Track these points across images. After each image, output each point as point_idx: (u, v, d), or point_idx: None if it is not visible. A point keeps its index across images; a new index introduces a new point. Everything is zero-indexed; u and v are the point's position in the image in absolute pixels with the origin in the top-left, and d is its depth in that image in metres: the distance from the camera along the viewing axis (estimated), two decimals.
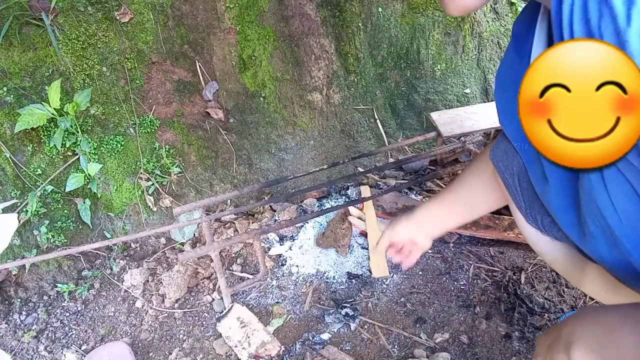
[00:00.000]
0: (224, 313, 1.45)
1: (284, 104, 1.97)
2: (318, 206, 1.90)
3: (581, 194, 0.63)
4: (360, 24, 2.05)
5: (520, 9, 2.36)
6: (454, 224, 1.15)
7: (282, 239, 1.77)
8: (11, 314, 1.58)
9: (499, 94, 0.83)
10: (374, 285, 1.56)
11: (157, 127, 1.80)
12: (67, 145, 1.62)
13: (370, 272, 1.59)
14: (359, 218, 1.71)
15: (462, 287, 1.53)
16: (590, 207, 0.61)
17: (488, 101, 2.32)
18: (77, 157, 1.67)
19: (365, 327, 1.43)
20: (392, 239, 1.18)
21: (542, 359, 0.66)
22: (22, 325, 1.56)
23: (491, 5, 2.32)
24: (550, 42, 0.69)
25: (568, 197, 0.70)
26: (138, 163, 1.77)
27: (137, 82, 1.78)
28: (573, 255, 0.85)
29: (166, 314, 1.56)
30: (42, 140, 1.62)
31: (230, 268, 1.69)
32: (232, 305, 1.46)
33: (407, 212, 1.16)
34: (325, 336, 1.41)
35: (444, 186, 1.95)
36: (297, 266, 1.66)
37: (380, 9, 2.10)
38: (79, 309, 1.61)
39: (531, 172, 0.79)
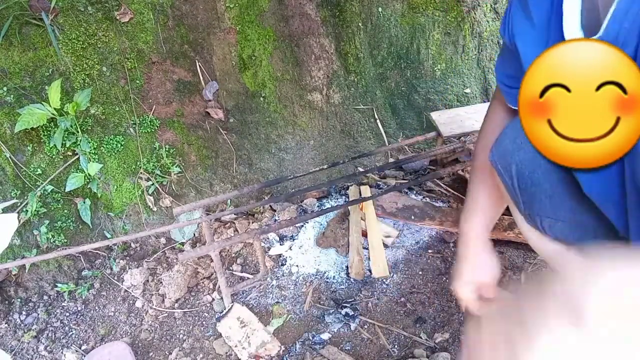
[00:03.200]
0: (224, 313, 1.45)
1: (284, 103, 1.97)
2: (318, 206, 1.90)
3: (629, 192, 0.59)
4: (360, 24, 2.05)
5: None
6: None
7: (282, 239, 1.77)
8: (11, 314, 1.58)
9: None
10: (374, 285, 1.56)
11: (157, 127, 1.80)
12: (67, 145, 1.62)
13: (371, 272, 1.59)
14: (361, 219, 1.71)
15: None
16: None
17: (488, 101, 2.32)
18: (77, 157, 1.67)
19: (365, 327, 1.43)
20: (464, 300, 0.99)
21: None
22: (22, 325, 1.56)
23: (491, 5, 2.32)
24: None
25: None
26: (138, 163, 1.77)
27: (137, 82, 1.78)
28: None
29: (166, 314, 1.56)
30: (42, 140, 1.62)
31: (230, 268, 1.69)
32: (232, 305, 1.46)
33: (454, 268, 0.98)
34: (325, 336, 1.41)
35: (443, 185, 1.95)
36: (297, 266, 1.66)
37: (380, 9, 2.10)
38: (79, 308, 1.61)
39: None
